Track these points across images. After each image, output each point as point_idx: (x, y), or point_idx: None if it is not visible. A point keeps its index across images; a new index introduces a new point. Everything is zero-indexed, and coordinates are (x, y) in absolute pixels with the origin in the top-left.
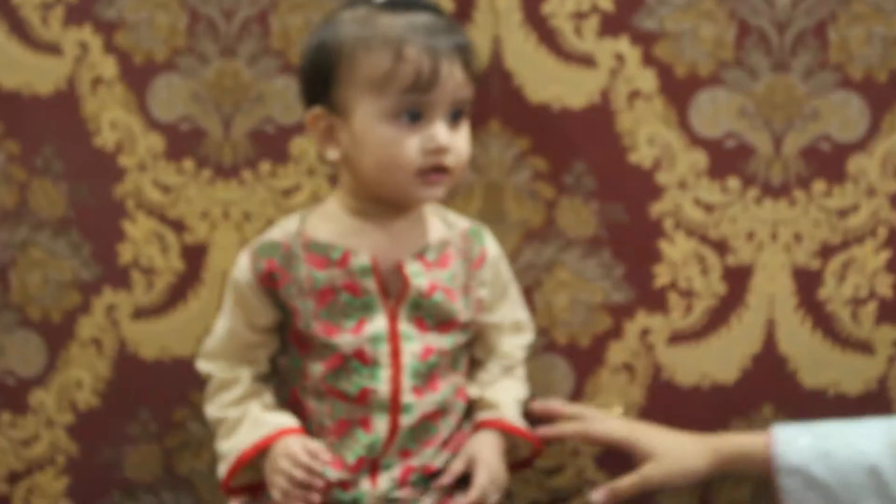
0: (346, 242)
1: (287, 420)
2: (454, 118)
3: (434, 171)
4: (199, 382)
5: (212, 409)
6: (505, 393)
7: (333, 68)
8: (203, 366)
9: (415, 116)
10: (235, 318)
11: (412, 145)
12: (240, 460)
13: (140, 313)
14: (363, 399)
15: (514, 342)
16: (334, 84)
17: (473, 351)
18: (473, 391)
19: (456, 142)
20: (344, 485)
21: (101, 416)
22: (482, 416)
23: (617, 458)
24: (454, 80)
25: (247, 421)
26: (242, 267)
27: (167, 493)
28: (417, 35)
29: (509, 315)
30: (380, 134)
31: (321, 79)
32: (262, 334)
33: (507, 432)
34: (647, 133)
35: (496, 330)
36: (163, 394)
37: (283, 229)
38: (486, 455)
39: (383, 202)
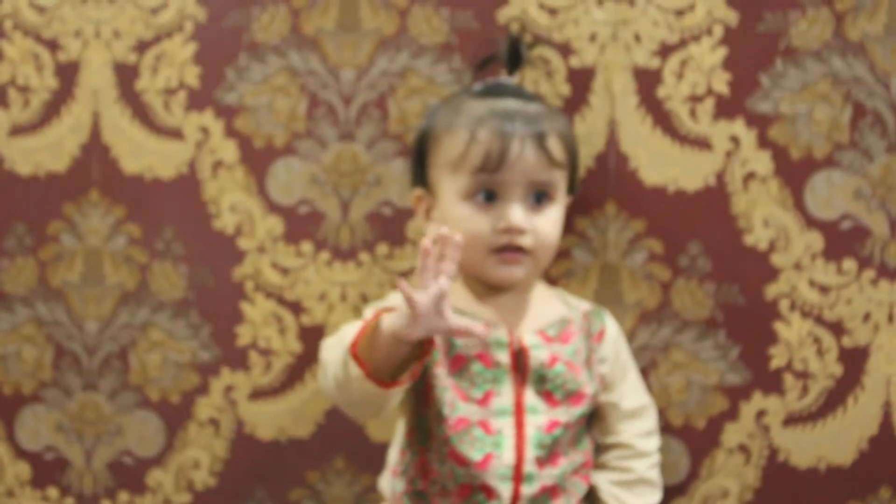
0: (480, 315)
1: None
2: (537, 201)
3: (509, 250)
4: (316, 463)
5: (330, 343)
6: None
7: (427, 151)
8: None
9: (490, 196)
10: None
11: (485, 224)
12: (364, 326)
13: (257, 394)
14: (485, 465)
15: (635, 429)
16: (429, 166)
17: (594, 435)
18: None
19: (537, 223)
20: None
21: (217, 497)
22: None
23: None
24: (527, 163)
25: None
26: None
27: None
28: (494, 119)
29: (628, 397)
30: (458, 212)
31: (420, 161)
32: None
33: None
34: (763, 215)
35: (614, 411)
36: (279, 475)
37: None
38: None
39: (484, 282)
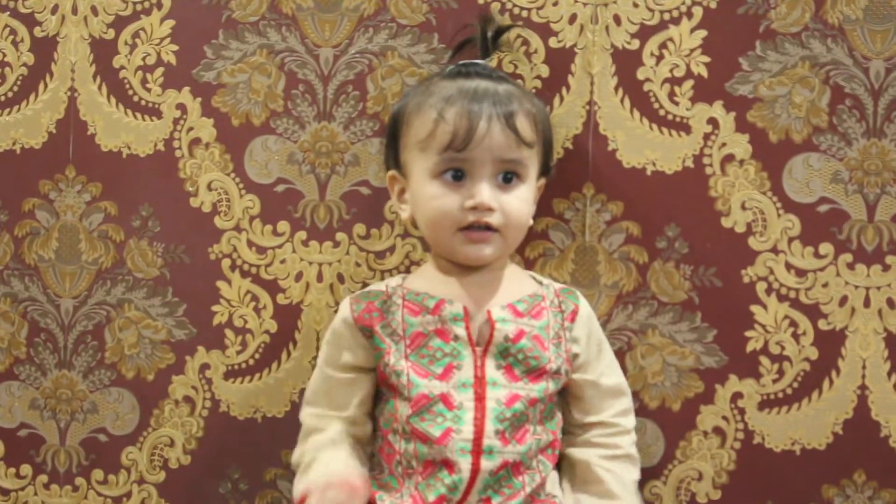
0: (441, 293)
1: (343, 470)
2: (506, 180)
3: (476, 228)
4: (291, 442)
5: (295, 453)
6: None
7: (399, 133)
8: (301, 413)
9: (458, 175)
10: (329, 360)
11: (453, 202)
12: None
13: (233, 373)
14: (445, 440)
15: (616, 408)
16: (401, 147)
17: (573, 414)
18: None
19: (505, 202)
20: None
21: (192, 475)
22: None
23: None
24: (494, 141)
25: (315, 465)
26: (343, 309)
27: None
28: (462, 98)
29: (607, 374)
30: (427, 191)
31: (392, 143)
32: (353, 375)
33: None
34: (740, 198)
35: (594, 389)
36: (254, 453)
37: (386, 283)
38: None
39: (453, 261)
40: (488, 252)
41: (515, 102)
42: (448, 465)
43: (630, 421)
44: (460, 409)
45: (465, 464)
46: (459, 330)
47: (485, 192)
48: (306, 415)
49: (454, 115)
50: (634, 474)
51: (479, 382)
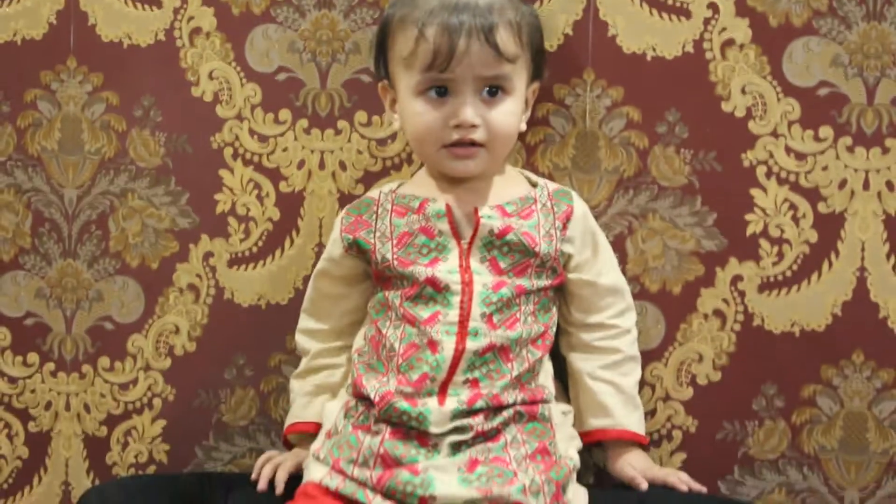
0: (428, 194)
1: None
2: (491, 94)
3: (461, 145)
4: (294, 328)
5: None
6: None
7: (386, 45)
8: (299, 324)
9: (441, 92)
10: (319, 271)
11: (438, 119)
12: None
13: (236, 261)
14: (433, 321)
15: (615, 308)
16: (388, 60)
17: (572, 314)
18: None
19: (489, 117)
20: (410, 400)
21: (197, 362)
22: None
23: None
24: (475, 58)
25: (296, 400)
26: (336, 222)
27: (262, 437)
28: (442, 12)
29: (605, 273)
30: (412, 108)
31: (381, 54)
32: (344, 285)
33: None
34: (740, 82)
35: (592, 289)
36: (258, 340)
37: (380, 188)
38: (648, 469)
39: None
40: (473, 167)
41: (496, 14)
42: (432, 345)
43: (629, 320)
44: (447, 293)
45: (448, 343)
46: (443, 225)
47: (468, 110)
48: (300, 329)
49: (434, 33)
50: (635, 375)
51: (465, 269)
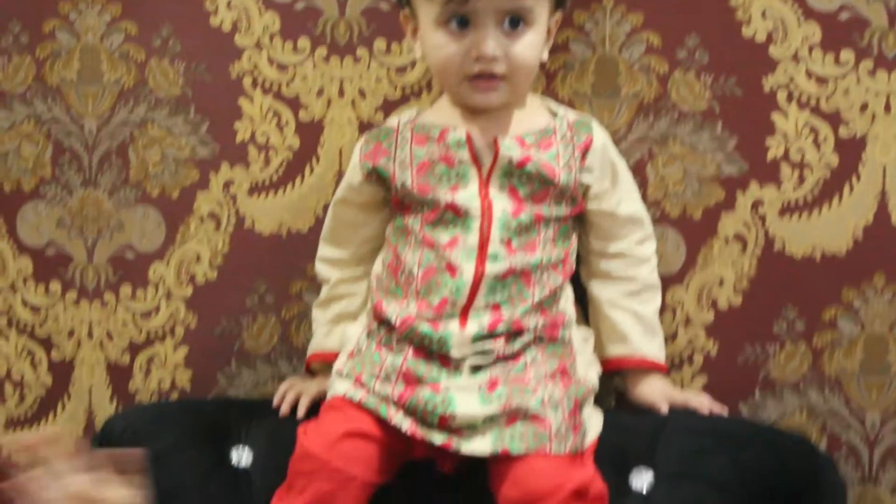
0: (448, 123)
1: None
2: (513, 25)
3: (482, 77)
4: (315, 255)
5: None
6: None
7: None
8: (318, 252)
9: (463, 23)
10: (341, 199)
11: (459, 51)
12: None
13: (257, 189)
14: (453, 245)
15: (635, 236)
16: None
17: (591, 242)
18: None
19: (511, 50)
20: (433, 324)
21: (219, 289)
22: (620, 353)
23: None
24: None
25: (318, 329)
26: (355, 149)
27: (284, 363)
28: None
29: (625, 203)
30: (433, 40)
31: None
32: (362, 212)
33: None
34: (761, 6)
35: (611, 219)
36: (279, 267)
37: (399, 116)
38: (669, 393)
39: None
40: (495, 99)
41: None
42: (451, 269)
43: (648, 248)
44: (467, 217)
45: (468, 267)
46: (463, 154)
47: (489, 43)
48: (319, 257)
49: None
50: (655, 303)
51: (485, 196)
